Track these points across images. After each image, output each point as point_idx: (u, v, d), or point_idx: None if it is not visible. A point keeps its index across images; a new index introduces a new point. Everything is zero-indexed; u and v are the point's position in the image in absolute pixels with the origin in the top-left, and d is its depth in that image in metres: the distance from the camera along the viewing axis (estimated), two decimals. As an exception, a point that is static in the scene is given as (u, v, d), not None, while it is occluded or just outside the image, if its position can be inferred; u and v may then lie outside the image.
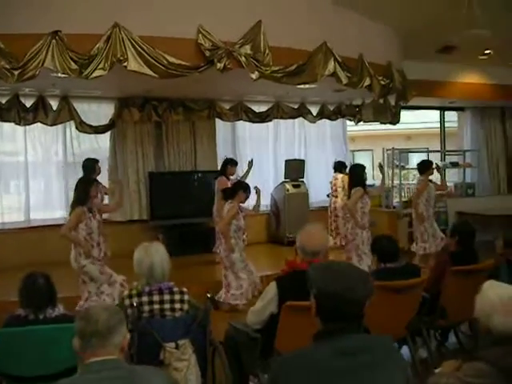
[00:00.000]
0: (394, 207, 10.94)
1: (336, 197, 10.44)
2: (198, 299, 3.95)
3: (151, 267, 3.65)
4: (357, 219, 7.47)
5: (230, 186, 7.98)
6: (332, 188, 10.58)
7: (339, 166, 10.61)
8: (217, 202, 8.61)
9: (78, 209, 6.08)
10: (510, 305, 2.56)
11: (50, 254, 8.45)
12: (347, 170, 9.46)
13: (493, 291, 2.66)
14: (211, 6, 6.83)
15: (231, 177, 8.73)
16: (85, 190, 6.20)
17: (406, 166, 13.55)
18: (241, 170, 9.45)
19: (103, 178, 8.55)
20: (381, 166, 8.59)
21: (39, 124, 8.85)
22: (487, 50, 9.70)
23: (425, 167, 8.69)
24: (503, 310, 2.55)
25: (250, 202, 7.49)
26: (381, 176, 8.67)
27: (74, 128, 9.34)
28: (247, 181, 8.04)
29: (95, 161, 7.93)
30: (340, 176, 10.36)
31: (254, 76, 6.90)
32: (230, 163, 8.85)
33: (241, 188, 6.95)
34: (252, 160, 9.26)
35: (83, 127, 9.13)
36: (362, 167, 7.96)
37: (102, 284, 6.10)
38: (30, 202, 9.53)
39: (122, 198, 7.35)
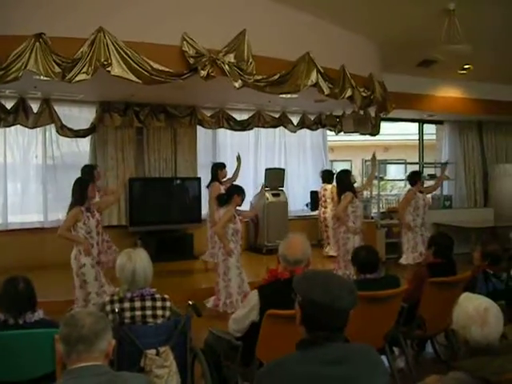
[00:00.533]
0: (373, 218, 11.03)
1: (325, 207, 10.45)
2: (177, 306, 3.95)
3: (133, 273, 3.63)
4: (347, 225, 7.59)
5: (223, 190, 8.09)
6: (321, 198, 10.58)
7: (327, 176, 10.55)
8: (210, 208, 8.67)
9: (75, 209, 6.05)
10: (486, 316, 2.60)
11: (28, 258, 8.41)
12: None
13: (469, 303, 2.69)
14: (196, 13, 6.86)
15: (223, 179, 8.83)
16: (81, 190, 6.15)
17: (384, 177, 13.68)
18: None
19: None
20: (374, 157, 8.60)
21: (18, 126, 8.79)
22: (466, 64, 9.85)
23: (415, 178, 8.77)
24: (480, 322, 2.59)
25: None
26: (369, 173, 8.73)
27: (53, 131, 9.29)
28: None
29: (93, 167, 7.94)
30: (329, 187, 10.37)
31: (237, 84, 6.92)
32: (219, 167, 8.95)
33: (235, 192, 6.89)
34: (239, 155, 9.33)
35: (64, 131, 9.09)
36: (347, 172, 8.19)
37: (91, 293, 6.03)
38: (7, 204, 9.43)
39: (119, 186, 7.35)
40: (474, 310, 2.63)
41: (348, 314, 2.19)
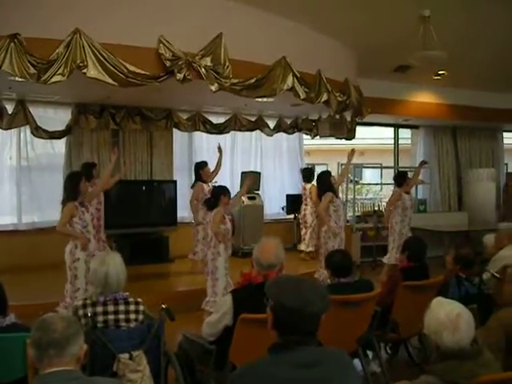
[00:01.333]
0: (348, 221, 11.09)
1: (306, 205, 10.52)
2: (150, 309, 3.94)
3: (106, 277, 3.63)
4: (329, 224, 7.76)
5: (205, 189, 8.49)
6: (303, 196, 10.63)
7: (308, 175, 10.63)
8: (192, 208, 8.84)
9: (69, 204, 6.06)
10: (457, 321, 2.63)
11: (0, 261, 8.30)
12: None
13: (441, 308, 2.71)
14: (173, 16, 6.83)
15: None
16: (72, 185, 6.17)
17: (360, 181, 13.77)
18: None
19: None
20: (352, 152, 8.66)
21: (-9, 127, 8.69)
22: (441, 70, 9.96)
23: (401, 180, 8.86)
24: (451, 327, 2.62)
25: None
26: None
27: (28, 132, 9.17)
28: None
29: (92, 165, 7.93)
30: (308, 186, 10.42)
31: (213, 88, 6.92)
32: (201, 166, 9.03)
33: (221, 192, 6.95)
34: (220, 145, 9.41)
35: (39, 132, 8.98)
36: (328, 173, 8.45)
37: (79, 289, 6.00)
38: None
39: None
40: (446, 315, 2.65)
41: (320, 318, 2.21)
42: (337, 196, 8.11)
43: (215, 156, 9.42)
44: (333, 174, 8.79)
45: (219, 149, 9.36)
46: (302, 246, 10.37)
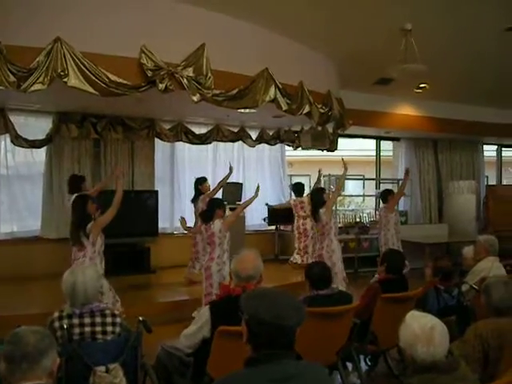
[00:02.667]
0: (330, 233, 11.08)
1: (305, 219, 10.50)
2: (130, 321, 3.90)
3: (73, 287, 3.60)
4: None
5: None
6: (298, 211, 10.61)
7: (299, 190, 10.73)
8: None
9: (95, 223, 6.11)
10: (431, 335, 2.64)
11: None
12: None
13: (415, 322, 2.72)
14: (155, 26, 6.82)
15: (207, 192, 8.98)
16: (81, 209, 6.26)
17: (342, 193, 13.79)
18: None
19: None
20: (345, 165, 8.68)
21: (-29, 135, 8.60)
22: (422, 83, 10.04)
23: (388, 195, 9.07)
24: (425, 340, 2.62)
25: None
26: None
27: (9, 140, 9.08)
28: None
29: (80, 179, 7.91)
30: (305, 200, 10.40)
31: (195, 98, 6.90)
32: (199, 182, 9.16)
33: (216, 206, 7.08)
34: (231, 165, 9.36)
35: (19, 141, 8.90)
36: (323, 190, 8.73)
37: (107, 304, 5.89)
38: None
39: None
40: (420, 328, 2.66)
41: (294, 332, 2.19)
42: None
43: (197, 166, 9.40)
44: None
45: (230, 168, 9.28)
46: (298, 259, 10.37)
